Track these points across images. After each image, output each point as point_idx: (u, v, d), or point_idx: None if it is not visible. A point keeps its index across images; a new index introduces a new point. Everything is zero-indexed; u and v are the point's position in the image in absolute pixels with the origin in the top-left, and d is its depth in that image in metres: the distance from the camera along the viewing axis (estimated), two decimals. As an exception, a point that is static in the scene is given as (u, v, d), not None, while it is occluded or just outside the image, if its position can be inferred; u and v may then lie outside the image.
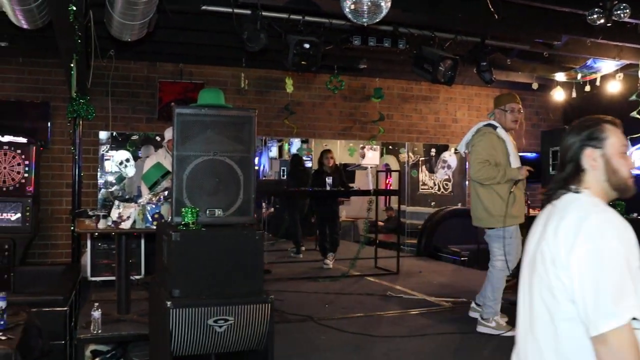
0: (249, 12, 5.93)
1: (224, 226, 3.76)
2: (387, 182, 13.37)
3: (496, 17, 5.80)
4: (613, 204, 5.46)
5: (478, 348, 4.59)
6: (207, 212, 3.72)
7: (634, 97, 8.49)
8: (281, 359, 4.02)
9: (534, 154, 10.73)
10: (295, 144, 12.77)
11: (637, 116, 8.41)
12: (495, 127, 5.02)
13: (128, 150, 9.02)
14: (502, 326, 4.96)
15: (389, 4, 4.78)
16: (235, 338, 3.57)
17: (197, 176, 3.73)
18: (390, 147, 12.82)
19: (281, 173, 13.54)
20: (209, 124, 3.79)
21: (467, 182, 11.39)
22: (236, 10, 5.92)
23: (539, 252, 1.97)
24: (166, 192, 4.85)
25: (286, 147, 13.54)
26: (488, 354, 4.45)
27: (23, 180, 7.10)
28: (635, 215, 5.68)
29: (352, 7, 4.78)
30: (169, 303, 3.39)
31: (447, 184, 11.88)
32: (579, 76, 9.29)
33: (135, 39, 5.61)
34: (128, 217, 4.62)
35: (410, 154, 13.00)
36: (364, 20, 4.87)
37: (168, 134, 6.45)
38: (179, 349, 3.45)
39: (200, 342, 3.48)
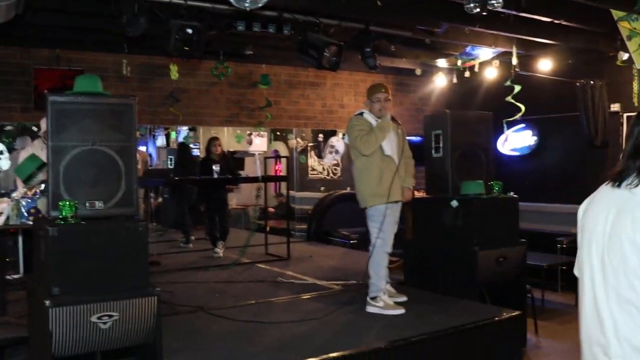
0: (127, -6, 5.70)
1: (105, 218, 3.64)
2: (276, 168, 13.39)
3: (379, 4, 5.90)
4: (491, 183, 5.72)
5: (367, 328, 4.68)
6: (87, 204, 3.59)
7: (508, 83, 8.93)
8: (171, 351, 3.93)
9: (417, 138, 11.08)
10: (182, 132, 12.52)
11: (512, 100, 8.85)
12: (362, 114, 5.35)
13: (3, 142, 8.51)
14: (389, 305, 5.09)
15: (272, -11, 4.75)
16: (121, 334, 3.46)
17: (75, 167, 3.58)
18: (278, 133, 12.85)
19: (168, 162, 13.26)
20: (86, 113, 3.65)
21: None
22: (114, -8, 5.68)
23: (627, 242, 1.85)
24: (42, 186, 4.61)
25: (173, 135, 13.26)
26: (377, 333, 4.55)
27: None
28: (511, 194, 5.98)
29: (235, -9, 4.71)
30: (47, 302, 3.24)
31: (335, 169, 12.06)
32: (459, 62, 9.67)
33: (3, 22, 5.25)
34: (0, 213, 4.35)
35: (299, 139, 13.09)
36: (247, 4, 4.81)
37: (44, 123, 6.11)
38: (61, 349, 3.30)
39: (84, 340, 3.35)
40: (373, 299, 5.15)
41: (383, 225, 5.14)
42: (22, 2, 5.00)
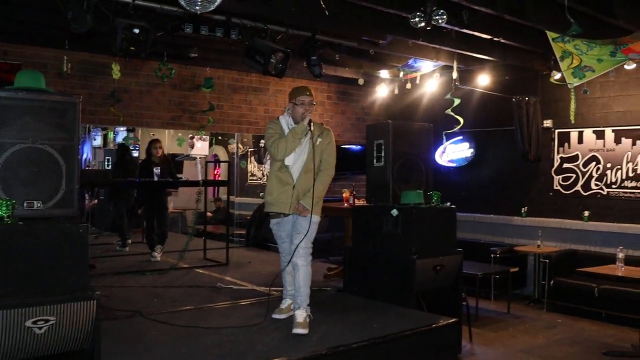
0: (74, -10, 5.57)
1: (44, 219, 3.54)
2: (215, 172, 13.29)
3: (327, 13, 5.95)
4: (430, 194, 5.83)
5: (308, 334, 4.69)
6: (25, 204, 3.50)
7: (448, 96, 9.17)
8: (109, 357, 3.85)
9: (359, 147, 11.21)
10: (121, 133, 12.27)
11: (451, 113, 9.08)
12: (278, 118, 5.16)
13: None
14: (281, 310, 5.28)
15: (222, -7, 4.73)
16: (57, 339, 3.37)
17: (13, 165, 3.48)
18: (219, 137, 12.76)
19: (106, 162, 12.98)
20: (26, 109, 3.55)
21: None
22: (59, -12, 5.54)
23: None
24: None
25: (111, 135, 12.98)
26: (317, 339, 4.57)
27: None
28: (448, 204, 6.12)
29: (185, -7, 4.68)
30: (-20, 305, 3.12)
31: (276, 175, 12.04)
32: (401, 74, 9.86)
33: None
34: None
35: (240, 144, 13.03)
36: (197, 8, 4.79)
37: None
38: (-7, 353, 3.19)
39: (18, 346, 3.24)
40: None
41: (277, 235, 5.23)
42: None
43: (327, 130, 5.15)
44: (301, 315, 4.83)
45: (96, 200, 11.84)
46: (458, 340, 5.83)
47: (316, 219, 5.03)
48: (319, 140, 5.02)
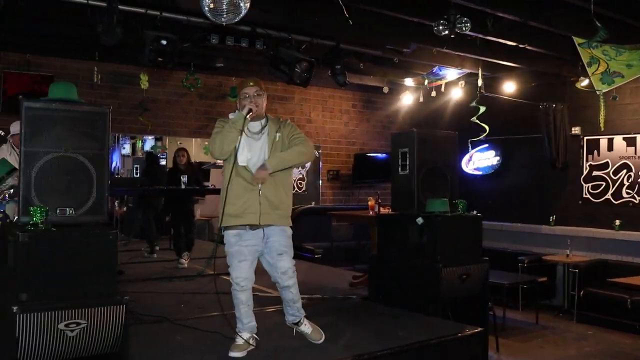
0: (104, 4, 5.71)
1: (75, 226, 3.62)
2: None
3: (350, 22, 6.01)
4: (455, 202, 5.80)
5: (333, 342, 4.72)
6: (58, 211, 3.58)
7: (473, 104, 9.15)
8: (136, 361, 3.93)
9: (384, 155, 11.23)
10: (149, 141, 12.43)
11: (477, 121, 9.05)
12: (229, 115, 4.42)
13: (-33, 145, 8.37)
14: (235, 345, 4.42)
15: (247, 5, 4.81)
16: (88, 342, 3.45)
17: (47, 174, 3.58)
18: (246, 146, 12.81)
19: (134, 171, 13.13)
20: (59, 119, 3.65)
21: (320, 182, 11.69)
22: (91, 2, 5.68)
23: None
24: (12, 190, 4.56)
25: (139, 144, 13.14)
26: (343, 347, 4.60)
27: None
28: (474, 212, 6.11)
29: (212, 5, 4.77)
30: (15, 308, 3.22)
31: (301, 183, 12.08)
32: (426, 82, 9.87)
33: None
34: (-32, 217, 4.30)
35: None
36: (223, 19, 4.87)
37: (14, 128, 6.03)
38: (27, 356, 3.28)
39: (51, 348, 3.34)
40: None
41: (229, 255, 4.40)
42: (-1, 7, 4.99)
43: (285, 122, 4.55)
44: (309, 325, 4.66)
45: (125, 208, 11.98)
46: (485, 350, 5.79)
47: (290, 230, 4.49)
48: (278, 135, 4.40)
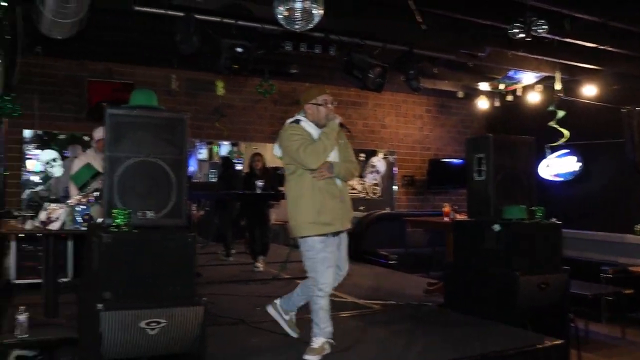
0: (182, 14, 5.90)
1: (155, 228, 3.73)
2: (317, 186, 13.42)
3: (423, 27, 5.97)
4: (533, 209, 5.62)
5: (407, 348, 4.69)
6: (139, 214, 3.70)
7: (551, 108, 8.90)
8: (213, 361, 4.01)
9: (459, 160, 11.08)
10: (225, 146, 12.70)
11: (555, 126, 8.81)
12: (299, 122, 4.43)
13: (54, 149, 8.79)
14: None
15: (321, 12, 4.86)
16: (167, 341, 3.55)
17: (129, 178, 3.70)
18: (320, 151, 12.90)
19: (210, 175, 13.44)
20: (141, 126, 3.77)
21: (394, 187, 11.63)
22: (169, 12, 5.88)
23: None
24: (97, 193, 4.76)
25: (215, 149, 13.43)
26: (417, 354, 4.56)
27: (-58, 180, 6.80)
28: (553, 220, 5.93)
29: (285, 13, 4.84)
30: (99, 306, 3.35)
31: (375, 189, 12.07)
32: (502, 86, 9.69)
33: (66, 37, 5.48)
34: (57, 218, 4.52)
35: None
36: (297, 26, 4.93)
37: (98, 134, 6.29)
38: (110, 352, 3.41)
39: (132, 345, 3.45)
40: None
41: (316, 262, 4.35)
42: (84, 19, 5.21)
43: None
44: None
45: (202, 212, 12.26)
46: (566, 364, 5.61)
47: None
48: (341, 142, 4.51)
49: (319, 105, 4.41)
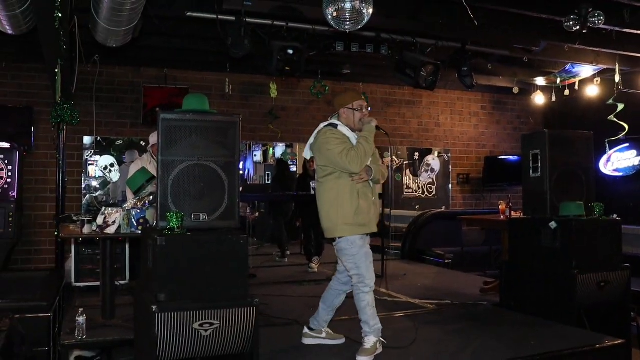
0: (233, 18, 5.98)
1: (209, 230, 3.79)
2: (371, 186, 13.40)
3: (476, 23, 5.89)
4: (592, 205, 5.47)
5: (462, 348, 4.64)
6: (192, 216, 3.77)
7: (611, 101, 8.65)
8: (266, 362, 4.05)
9: (515, 157, 10.87)
10: (280, 148, 12.81)
11: (615, 119, 8.55)
12: (336, 126, 4.50)
13: (112, 155, 9.04)
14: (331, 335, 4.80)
15: (370, 11, 4.84)
16: (220, 342, 3.60)
17: (182, 181, 3.77)
18: (374, 151, 12.89)
19: (265, 177, 13.58)
20: (193, 129, 3.83)
21: (450, 186, 11.50)
22: (220, 17, 5.97)
23: None
24: (151, 197, 4.87)
25: (270, 151, 13.57)
26: (472, 354, 4.51)
27: (6, 186, 7.06)
28: (614, 216, 5.77)
29: (335, 14, 4.84)
30: (154, 307, 3.42)
31: (430, 187, 11.98)
32: (558, 80, 9.45)
33: (120, 45, 5.63)
34: (113, 222, 4.64)
35: (394, 157, 13.10)
36: (347, 27, 4.93)
37: (153, 138, 6.45)
38: (165, 353, 3.48)
39: (186, 346, 3.52)
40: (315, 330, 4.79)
41: (359, 258, 4.41)
42: (138, 27, 5.34)
43: None
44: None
45: (257, 213, 12.40)
46: (628, 364, 5.46)
47: None
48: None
49: (355, 110, 4.51)
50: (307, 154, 4.70)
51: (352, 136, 4.47)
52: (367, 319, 4.44)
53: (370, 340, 4.40)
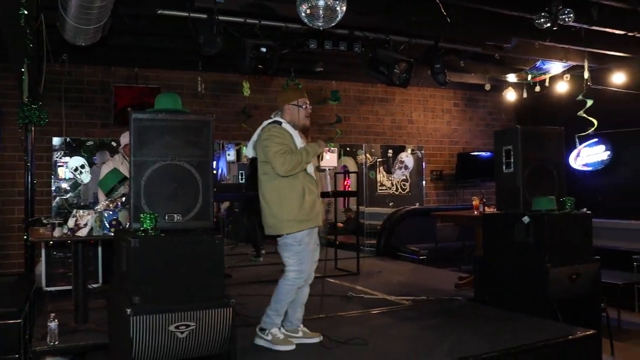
0: (205, 16, 5.93)
1: (183, 231, 3.76)
2: (345, 183, 13.45)
3: (449, 20, 5.92)
4: (563, 199, 5.55)
5: (437, 344, 4.67)
6: (166, 217, 3.73)
7: (580, 97, 8.77)
8: (243, 362, 4.03)
9: (488, 153, 10.97)
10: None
11: (584, 115, 8.68)
12: (280, 123, 4.53)
13: (83, 156, 8.90)
14: (278, 340, 4.57)
15: (344, 8, 4.84)
16: (197, 343, 3.57)
17: (155, 181, 3.73)
18: (347, 148, 12.90)
19: (239, 177, 13.49)
20: (166, 129, 3.79)
21: (423, 182, 11.56)
22: (192, 15, 5.91)
23: None
24: (124, 198, 4.81)
25: (244, 150, 13.45)
26: (447, 349, 4.53)
27: (-27, 189, 6.92)
28: (585, 210, 5.85)
29: (308, 11, 4.83)
30: (129, 310, 3.38)
31: (404, 184, 12.01)
32: (529, 77, 9.57)
33: (89, 44, 5.55)
34: (85, 225, 4.57)
35: (368, 155, 13.12)
36: (320, 24, 4.91)
37: (124, 139, 6.37)
38: (141, 356, 3.43)
39: (162, 349, 3.48)
40: (263, 330, 4.65)
41: (301, 256, 4.47)
42: (107, 25, 5.27)
43: None
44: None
45: (224, 213, 12.30)
46: (598, 354, 5.53)
47: None
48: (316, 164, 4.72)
49: (300, 106, 4.59)
50: (249, 152, 4.71)
51: (296, 134, 4.51)
52: (278, 307, 4.54)
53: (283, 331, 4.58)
